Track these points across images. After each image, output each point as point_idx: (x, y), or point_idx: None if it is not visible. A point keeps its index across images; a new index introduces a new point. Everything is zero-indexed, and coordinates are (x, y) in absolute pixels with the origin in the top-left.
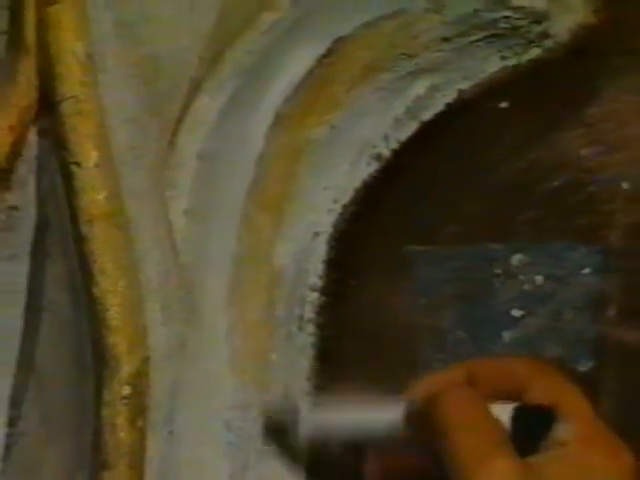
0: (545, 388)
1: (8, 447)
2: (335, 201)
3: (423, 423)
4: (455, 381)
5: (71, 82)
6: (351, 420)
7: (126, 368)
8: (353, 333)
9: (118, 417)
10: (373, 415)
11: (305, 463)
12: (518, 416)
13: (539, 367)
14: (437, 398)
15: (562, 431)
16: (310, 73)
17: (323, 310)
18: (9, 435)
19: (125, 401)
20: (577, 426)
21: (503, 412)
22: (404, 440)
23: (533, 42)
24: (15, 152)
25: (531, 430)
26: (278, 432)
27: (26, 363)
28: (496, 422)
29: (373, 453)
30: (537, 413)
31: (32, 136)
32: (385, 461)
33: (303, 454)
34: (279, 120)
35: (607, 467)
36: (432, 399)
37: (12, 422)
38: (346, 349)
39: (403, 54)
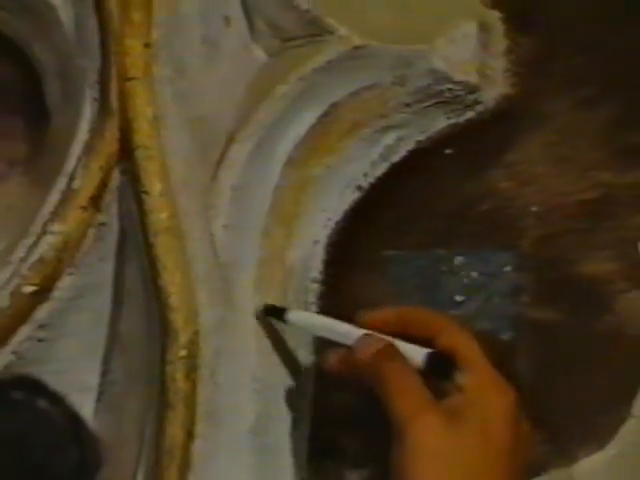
0: (451, 339)
1: (100, 392)
2: (329, 219)
3: (368, 371)
4: (389, 321)
5: (142, 135)
6: (320, 333)
7: (182, 337)
8: (344, 314)
9: (177, 372)
10: (337, 334)
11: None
12: (429, 359)
13: (449, 323)
14: (380, 363)
15: (460, 379)
16: (312, 128)
17: (322, 297)
18: (101, 384)
19: (182, 361)
20: (472, 373)
21: (419, 354)
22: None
23: (468, 107)
24: (104, 184)
25: (437, 370)
26: (273, 311)
27: (113, 334)
28: (422, 386)
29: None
30: (442, 360)
31: (115, 173)
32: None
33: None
34: (290, 161)
35: (498, 403)
36: (376, 358)
37: (103, 374)
38: None
39: (378, 115)
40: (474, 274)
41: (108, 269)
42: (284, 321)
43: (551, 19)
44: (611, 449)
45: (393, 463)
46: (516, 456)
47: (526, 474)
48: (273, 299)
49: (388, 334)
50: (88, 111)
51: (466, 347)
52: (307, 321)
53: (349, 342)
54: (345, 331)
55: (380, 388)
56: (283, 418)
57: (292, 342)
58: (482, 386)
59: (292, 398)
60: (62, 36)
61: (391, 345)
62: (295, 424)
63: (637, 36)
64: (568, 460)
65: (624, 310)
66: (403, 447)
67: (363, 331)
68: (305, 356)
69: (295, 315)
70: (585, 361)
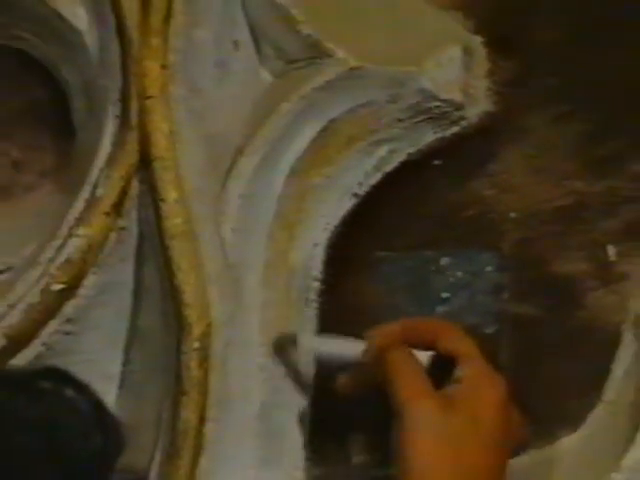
0: (449, 341)
1: (122, 380)
2: (328, 224)
3: (376, 362)
4: (395, 333)
5: (159, 148)
6: (330, 351)
7: (196, 331)
8: (340, 308)
9: (191, 362)
10: (345, 350)
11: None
12: (432, 361)
13: (447, 327)
14: (387, 352)
15: (458, 372)
16: (313, 142)
17: (322, 293)
18: (122, 373)
19: (196, 351)
20: (468, 367)
21: (423, 357)
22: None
23: (454, 122)
24: (124, 192)
25: (440, 371)
26: (283, 348)
27: (133, 327)
28: (422, 372)
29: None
30: (443, 359)
31: (135, 182)
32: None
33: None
34: (293, 172)
35: (490, 393)
36: (383, 351)
37: (124, 364)
38: (336, 318)
39: (372, 129)
40: (459, 273)
41: (128, 269)
42: (295, 349)
43: (528, 43)
44: (584, 430)
45: (393, 442)
46: (505, 439)
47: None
48: (277, 296)
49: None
50: (110, 126)
51: (463, 346)
52: (319, 343)
53: (356, 354)
54: (354, 347)
55: (385, 374)
56: (287, 404)
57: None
58: (476, 378)
59: (295, 386)
60: (87, 59)
61: (397, 338)
62: (298, 410)
63: (605, 60)
64: (546, 440)
65: (594, 306)
66: (402, 427)
67: (366, 343)
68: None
69: (306, 341)
70: (560, 352)
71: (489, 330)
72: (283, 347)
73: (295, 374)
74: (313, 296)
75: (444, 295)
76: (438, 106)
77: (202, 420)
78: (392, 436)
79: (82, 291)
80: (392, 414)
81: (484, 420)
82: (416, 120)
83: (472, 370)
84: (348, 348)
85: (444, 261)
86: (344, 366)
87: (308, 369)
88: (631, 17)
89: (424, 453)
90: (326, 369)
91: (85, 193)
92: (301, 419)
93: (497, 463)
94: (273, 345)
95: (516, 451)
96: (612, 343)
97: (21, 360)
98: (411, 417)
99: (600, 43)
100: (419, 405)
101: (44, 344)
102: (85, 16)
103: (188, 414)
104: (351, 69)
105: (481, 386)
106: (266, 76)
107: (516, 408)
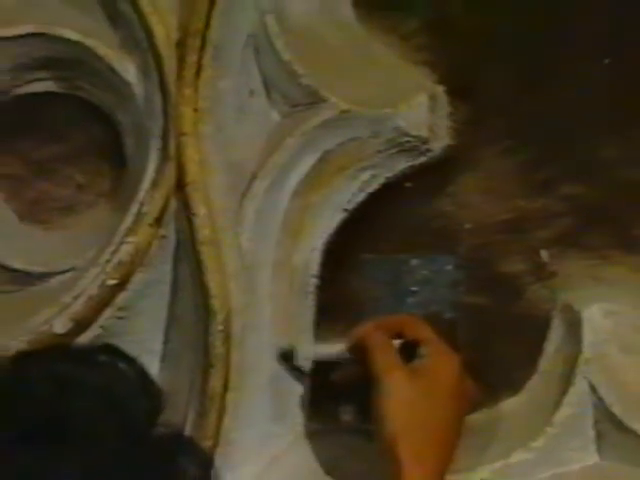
0: (413, 329)
1: (162, 355)
2: (323, 233)
3: (359, 350)
4: (372, 328)
5: (191, 174)
6: (324, 353)
7: (219, 316)
8: (333, 299)
9: (216, 341)
10: (334, 351)
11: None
12: (402, 346)
13: (411, 319)
14: (366, 338)
15: (422, 351)
16: (311, 169)
17: (318, 288)
18: (163, 349)
19: (219, 333)
20: (430, 347)
21: (395, 344)
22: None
23: (422, 153)
24: (164, 208)
25: (408, 353)
26: (285, 356)
27: (171, 314)
28: (394, 351)
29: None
30: (410, 344)
31: (173, 201)
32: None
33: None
34: (295, 193)
35: (448, 366)
36: (363, 339)
37: (165, 343)
38: (330, 307)
39: (358, 159)
40: (425, 272)
41: (167, 268)
42: (294, 361)
43: (480, 92)
44: (523, 394)
45: (372, 405)
46: (461, 402)
47: (468, 413)
48: (283, 290)
49: None
50: (154, 157)
51: (424, 332)
52: (312, 353)
53: (344, 356)
54: (340, 350)
55: (366, 354)
56: (292, 373)
57: (296, 326)
58: (436, 355)
59: (296, 378)
60: (135, 105)
61: (373, 328)
62: (300, 378)
63: (541, 105)
64: (494, 402)
65: (531, 297)
66: (379, 393)
67: (349, 337)
68: (307, 332)
69: (302, 353)
70: (505, 334)
71: (448, 316)
72: (286, 357)
73: (297, 376)
74: (311, 290)
75: (413, 289)
76: (409, 141)
77: (225, 387)
78: (372, 400)
79: (131, 286)
80: (372, 384)
81: (443, 387)
82: (392, 152)
83: (433, 349)
84: (336, 352)
85: (413, 262)
86: (336, 363)
87: (306, 370)
88: (563, 68)
89: (396, 413)
90: (322, 366)
91: (134, 209)
92: (303, 386)
93: (454, 421)
94: (277, 357)
95: (470, 411)
96: (544, 327)
97: (84, 339)
98: (385, 385)
99: (537, 92)
100: (391, 376)
101: (101, 327)
102: (134, 71)
103: (214, 382)
104: (341, 112)
105: (440, 361)
106: (275, 117)
107: (469, 378)
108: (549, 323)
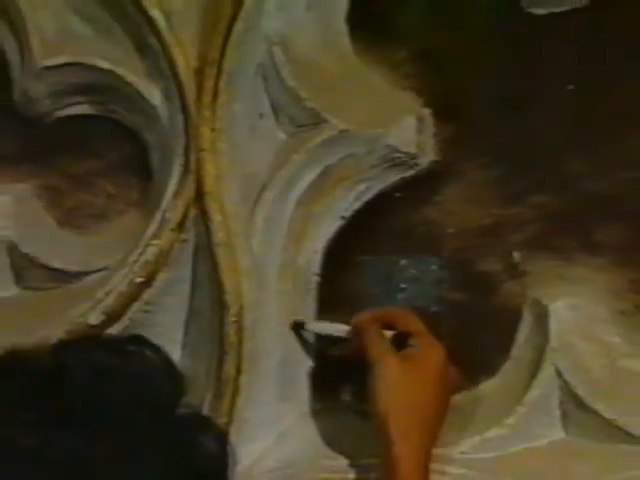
0: (405, 322)
1: (184, 344)
2: (324, 237)
3: (357, 336)
4: (368, 318)
5: (210, 185)
6: (327, 331)
7: (233, 309)
8: (333, 296)
9: (230, 331)
10: (337, 331)
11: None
12: (394, 337)
13: (403, 312)
14: (363, 331)
15: (411, 341)
16: (314, 181)
17: (320, 286)
18: (184, 339)
19: (233, 324)
20: (419, 338)
21: (388, 334)
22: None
23: (411, 167)
24: (185, 215)
25: (399, 343)
26: (297, 325)
27: (191, 308)
28: (387, 341)
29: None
30: (401, 335)
31: (192, 209)
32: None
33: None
34: (300, 203)
35: (434, 354)
36: (360, 331)
37: (185, 333)
38: (330, 303)
39: (355, 172)
40: (413, 271)
41: (187, 268)
42: (305, 329)
43: (463, 115)
44: (498, 378)
45: (367, 389)
46: (445, 386)
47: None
48: (288, 288)
49: None
50: (176, 171)
51: (414, 324)
52: (319, 326)
53: (344, 334)
54: (342, 328)
55: (362, 343)
56: (297, 361)
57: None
58: (424, 345)
59: (303, 347)
60: (160, 125)
61: (369, 320)
62: (304, 363)
63: (514, 127)
64: (473, 385)
65: (505, 293)
66: (372, 378)
67: (351, 326)
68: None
69: (311, 325)
70: (482, 325)
71: (433, 310)
72: (297, 327)
73: (304, 344)
74: (313, 287)
75: (403, 286)
76: (399, 157)
77: (238, 372)
78: (367, 384)
79: (156, 283)
80: (367, 369)
81: (430, 373)
82: (385, 166)
83: (421, 340)
84: (339, 329)
85: (403, 263)
86: (336, 341)
87: (312, 342)
88: (532, 94)
89: (387, 394)
90: (324, 343)
91: (158, 216)
92: (307, 370)
93: (440, 402)
94: (290, 326)
95: (453, 393)
96: (516, 319)
97: (114, 330)
98: (378, 370)
99: (511, 115)
100: (384, 362)
101: (130, 319)
102: (159, 96)
103: (228, 368)
104: (340, 131)
105: (428, 350)
106: (282, 136)
107: (453, 365)
108: (520, 316)
